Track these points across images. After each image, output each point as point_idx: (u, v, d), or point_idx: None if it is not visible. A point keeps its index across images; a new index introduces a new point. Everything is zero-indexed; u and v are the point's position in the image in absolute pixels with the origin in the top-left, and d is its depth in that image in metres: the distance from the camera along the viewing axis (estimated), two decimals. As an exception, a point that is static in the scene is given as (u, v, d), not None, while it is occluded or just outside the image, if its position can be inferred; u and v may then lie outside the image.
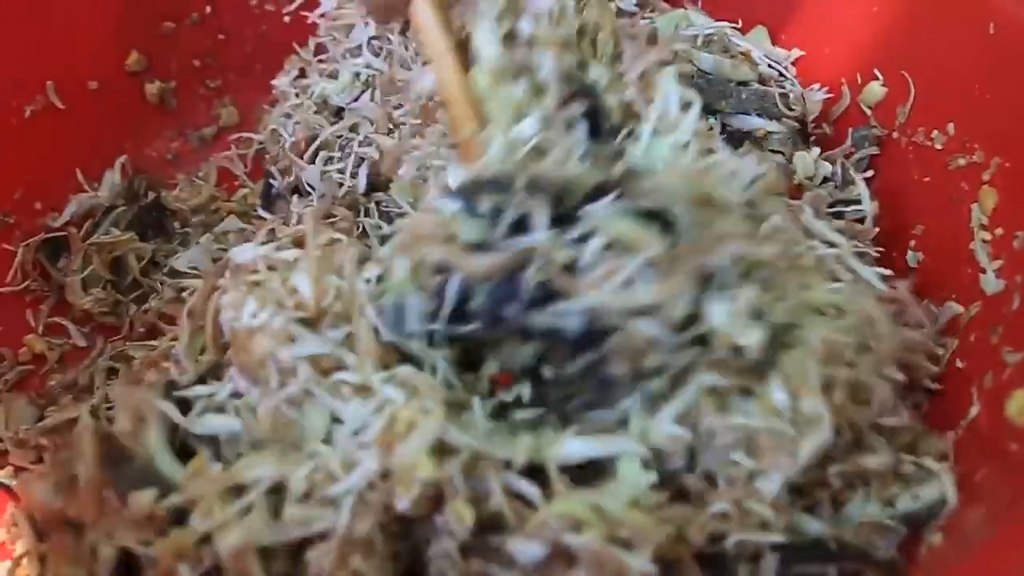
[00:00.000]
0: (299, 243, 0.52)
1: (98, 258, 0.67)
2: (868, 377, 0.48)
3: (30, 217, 0.68)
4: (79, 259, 0.67)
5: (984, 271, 0.58)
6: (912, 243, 0.64)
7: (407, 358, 0.48)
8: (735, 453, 0.46)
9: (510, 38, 0.52)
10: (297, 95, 0.74)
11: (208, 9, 0.79)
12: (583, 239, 0.44)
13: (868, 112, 0.69)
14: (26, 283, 0.67)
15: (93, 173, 0.73)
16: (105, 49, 0.74)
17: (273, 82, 0.79)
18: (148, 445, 0.46)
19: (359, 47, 0.73)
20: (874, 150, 0.69)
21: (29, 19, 0.69)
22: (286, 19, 0.83)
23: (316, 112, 0.72)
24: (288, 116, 0.73)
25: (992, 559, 0.43)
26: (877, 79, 0.69)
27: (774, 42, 0.77)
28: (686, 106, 0.51)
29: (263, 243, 0.52)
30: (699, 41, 0.70)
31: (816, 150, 0.68)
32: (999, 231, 0.57)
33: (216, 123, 0.81)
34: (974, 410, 0.53)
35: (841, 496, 0.49)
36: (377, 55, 0.72)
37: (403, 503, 0.42)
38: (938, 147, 0.63)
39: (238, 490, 0.43)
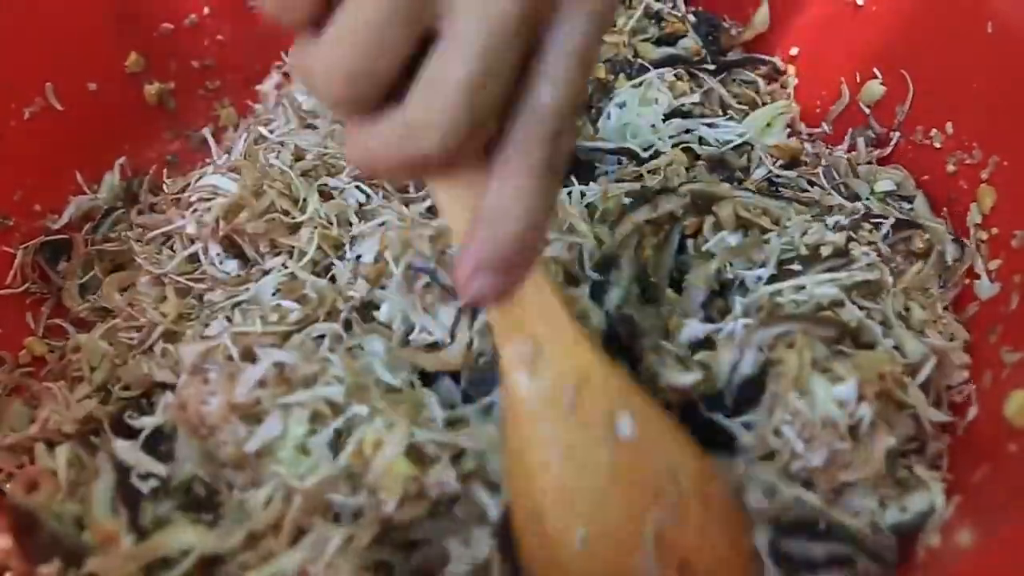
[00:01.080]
0: None
1: (99, 264, 0.67)
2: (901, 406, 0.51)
3: (29, 219, 0.68)
4: (80, 264, 0.66)
5: (979, 276, 0.58)
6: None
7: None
8: (788, 427, 0.48)
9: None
10: (278, 104, 0.74)
11: (206, 10, 0.79)
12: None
13: (867, 111, 0.69)
14: (26, 285, 0.66)
15: (92, 175, 0.72)
16: (104, 51, 0.74)
17: (257, 87, 0.79)
18: (91, 497, 0.48)
19: None
20: (879, 152, 0.69)
21: (27, 21, 0.68)
22: (285, 20, 0.83)
23: (301, 122, 0.71)
24: (266, 130, 0.71)
25: (990, 559, 0.43)
26: (876, 78, 0.69)
27: (773, 42, 0.77)
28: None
29: None
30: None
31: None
32: (995, 230, 0.58)
33: (215, 124, 0.80)
34: (972, 411, 0.53)
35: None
36: None
37: (389, 506, 0.44)
38: (937, 146, 0.63)
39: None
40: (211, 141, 0.73)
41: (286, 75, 0.80)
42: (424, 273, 0.53)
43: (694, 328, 0.54)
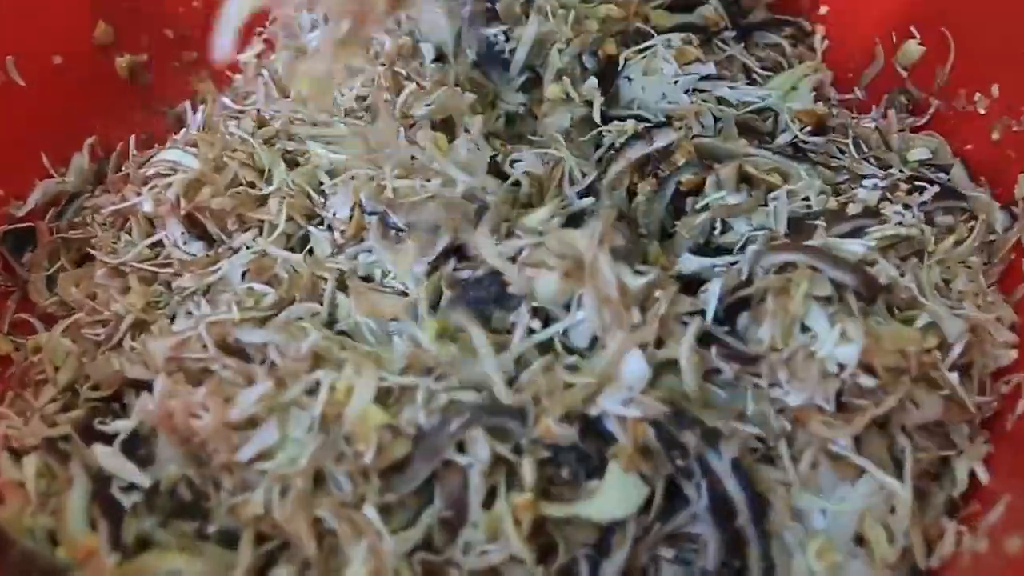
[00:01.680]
0: None
1: (66, 255, 0.63)
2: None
3: (-9, 206, 0.64)
4: (46, 255, 0.63)
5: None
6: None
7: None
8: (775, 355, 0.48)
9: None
10: (258, 75, 0.71)
11: (181, -27, 0.74)
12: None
13: (904, 74, 0.66)
14: (-12, 279, 0.63)
15: (60, 157, 0.68)
16: (69, 20, 0.69)
17: (239, 56, 0.75)
18: (64, 510, 0.46)
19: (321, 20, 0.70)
20: (915, 120, 0.65)
21: (-15, -10, 0.64)
22: (268, -18, 0.78)
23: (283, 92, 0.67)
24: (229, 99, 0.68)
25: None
26: (914, 38, 0.65)
27: (800, 0, 0.73)
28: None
29: None
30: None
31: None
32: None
33: (193, 99, 0.75)
34: (1022, 404, 0.49)
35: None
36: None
37: (368, 456, 0.43)
38: (981, 111, 0.60)
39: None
40: (190, 117, 0.68)
41: (268, 43, 0.76)
42: (374, 215, 0.53)
43: (689, 261, 0.53)
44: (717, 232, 0.55)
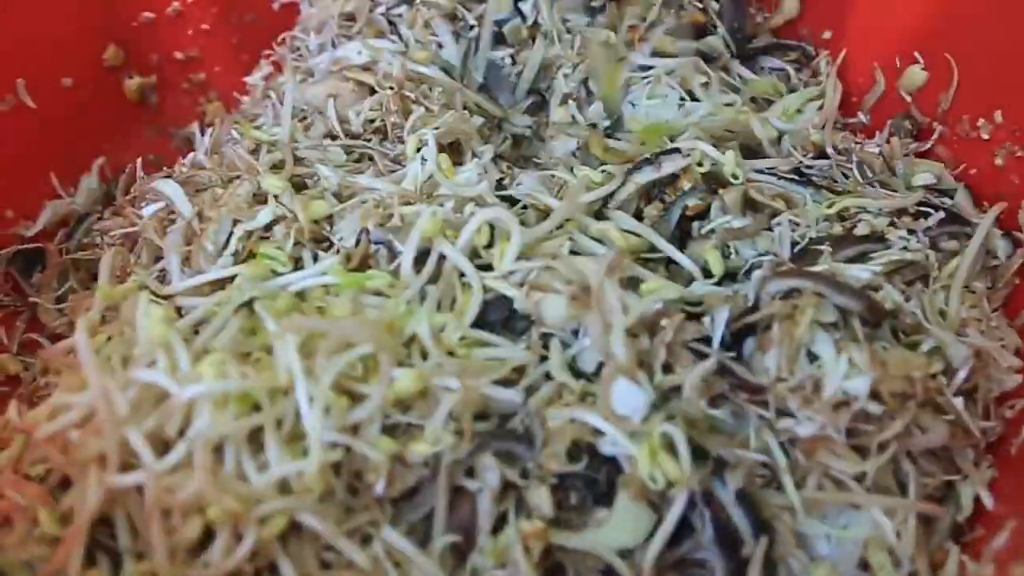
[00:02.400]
0: None
1: (75, 275, 0.63)
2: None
3: (1, 226, 0.64)
4: (55, 275, 0.62)
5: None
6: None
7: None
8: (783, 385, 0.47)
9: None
10: (265, 96, 0.70)
11: (190, -3, 0.75)
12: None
13: (908, 99, 0.65)
14: (-3, 299, 0.62)
15: (69, 177, 0.68)
16: (80, 43, 0.70)
17: (246, 79, 0.75)
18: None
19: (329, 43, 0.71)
20: (919, 145, 0.64)
21: (-3, 12, 0.64)
22: (275, 6, 0.79)
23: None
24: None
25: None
26: (917, 63, 0.64)
27: (804, 26, 0.73)
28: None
29: None
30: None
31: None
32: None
33: (201, 121, 0.76)
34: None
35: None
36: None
37: (379, 487, 0.43)
38: (984, 137, 0.59)
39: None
40: (198, 139, 0.68)
41: (276, 64, 0.76)
42: (380, 244, 0.52)
43: (696, 286, 0.52)
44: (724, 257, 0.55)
